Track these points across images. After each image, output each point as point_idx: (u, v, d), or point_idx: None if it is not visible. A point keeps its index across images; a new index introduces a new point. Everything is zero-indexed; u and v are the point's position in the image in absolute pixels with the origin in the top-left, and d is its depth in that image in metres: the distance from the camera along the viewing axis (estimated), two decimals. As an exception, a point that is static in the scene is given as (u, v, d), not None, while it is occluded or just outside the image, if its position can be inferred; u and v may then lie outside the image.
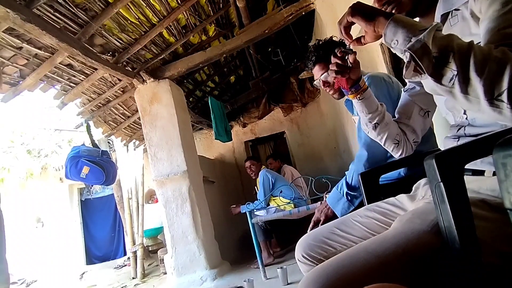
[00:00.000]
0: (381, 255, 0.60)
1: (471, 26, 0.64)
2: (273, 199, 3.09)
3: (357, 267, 0.59)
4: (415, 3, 0.73)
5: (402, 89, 0.99)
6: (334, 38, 1.32)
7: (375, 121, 0.95)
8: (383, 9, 0.75)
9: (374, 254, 0.61)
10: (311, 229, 1.34)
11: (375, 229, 0.82)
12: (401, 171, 1.18)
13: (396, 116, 1.00)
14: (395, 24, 0.60)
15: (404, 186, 0.91)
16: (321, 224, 1.29)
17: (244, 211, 2.79)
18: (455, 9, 0.67)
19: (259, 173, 3.34)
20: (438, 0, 0.73)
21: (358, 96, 0.93)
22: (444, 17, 0.70)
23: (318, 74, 1.31)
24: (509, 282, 0.57)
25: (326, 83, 1.17)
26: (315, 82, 1.26)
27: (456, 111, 0.75)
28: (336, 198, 1.30)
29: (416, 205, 0.80)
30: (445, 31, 0.70)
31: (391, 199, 0.89)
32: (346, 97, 1.33)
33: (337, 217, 1.25)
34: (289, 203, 2.86)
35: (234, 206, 3.47)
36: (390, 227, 0.71)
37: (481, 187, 0.63)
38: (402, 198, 0.86)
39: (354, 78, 0.90)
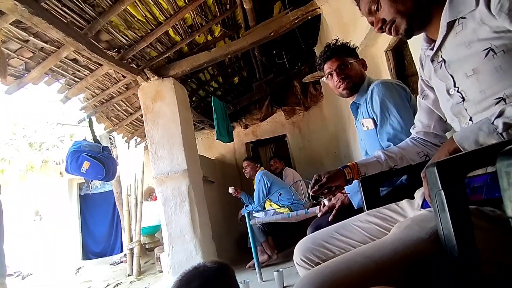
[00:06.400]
0: (378, 260, 0.60)
1: (479, 32, 0.64)
2: (270, 204, 3.09)
3: (353, 271, 0.59)
4: (410, 20, 0.74)
5: (419, 96, 0.95)
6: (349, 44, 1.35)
7: (390, 167, 0.99)
8: (380, 32, 0.80)
9: (371, 259, 0.60)
10: (324, 214, 1.37)
11: (375, 234, 0.82)
12: (403, 178, 1.17)
13: (416, 124, 0.99)
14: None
15: (406, 193, 0.91)
16: (336, 211, 1.30)
17: (244, 213, 2.79)
18: (461, 17, 0.68)
19: (256, 174, 3.32)
20: (433, 12, 0.74)
21: (359, 178, 1.00)
22: (450, 24, 0.70)
23: (329, 68, 1.32)
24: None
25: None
26: (323, 79, 1.36)
27: (462, 117, 0.74)
28: (356, 188, 1.23)
29: (415, 212, 0.79)
30: (450, 39, 0.71)
31: (392, 205, 0.88)
32: (353, 98, 1.34)
33: (353, 207, 1.27)
34: (283, 207, 2.87)
35: (234, 188, 3.47)
36: (389, 233, 0.70)
37: None
38: (403, 204, 0.86)
39: (341, 184, 0.99)
